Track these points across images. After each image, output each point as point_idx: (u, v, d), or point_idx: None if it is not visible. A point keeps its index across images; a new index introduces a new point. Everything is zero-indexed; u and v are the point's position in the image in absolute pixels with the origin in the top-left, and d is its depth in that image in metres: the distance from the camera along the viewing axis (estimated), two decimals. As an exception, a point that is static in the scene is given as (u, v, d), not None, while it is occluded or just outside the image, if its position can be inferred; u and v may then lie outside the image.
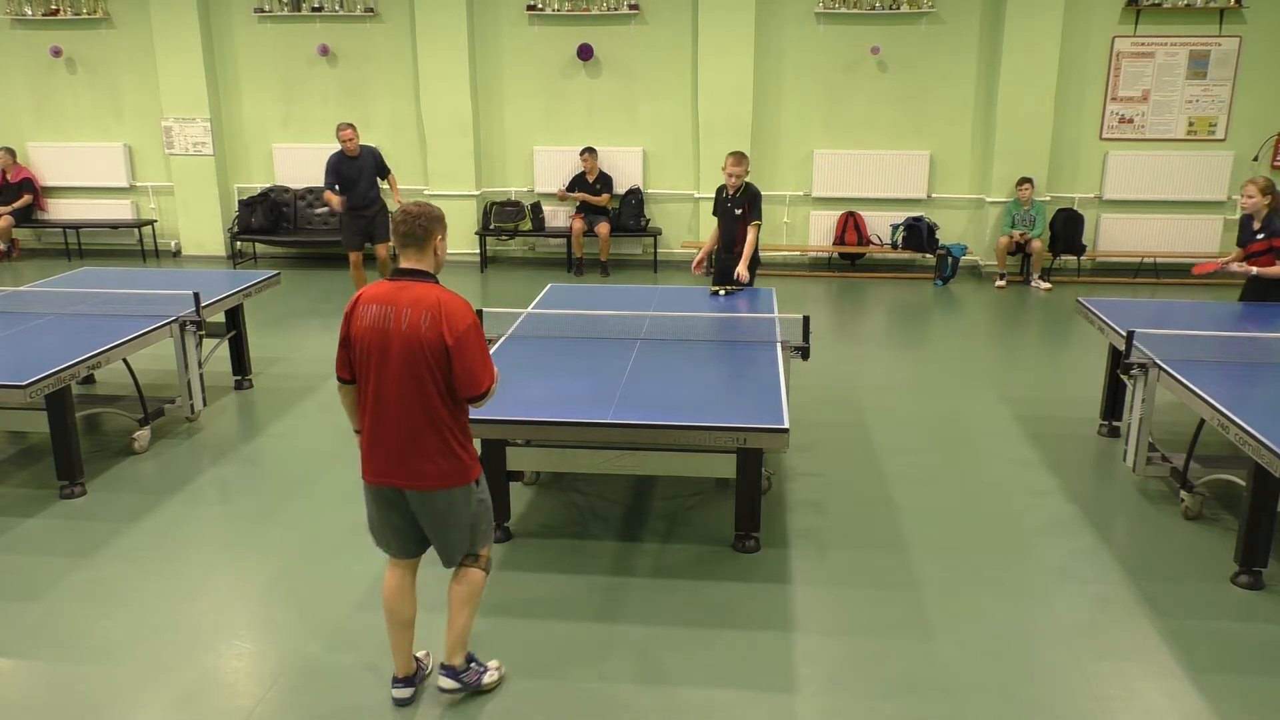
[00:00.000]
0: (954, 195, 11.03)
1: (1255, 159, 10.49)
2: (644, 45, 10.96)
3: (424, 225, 3.21)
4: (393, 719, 3.44)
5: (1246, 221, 6.30)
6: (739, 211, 6.88)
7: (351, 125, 8.55)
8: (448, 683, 3.49)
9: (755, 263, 7.01)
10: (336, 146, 8.52)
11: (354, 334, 3.23)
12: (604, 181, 10.99)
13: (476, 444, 4.55)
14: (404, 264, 3.26)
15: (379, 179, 8.76)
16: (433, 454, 3.23)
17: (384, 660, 3.74)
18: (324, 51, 11.28)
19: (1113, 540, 4.74)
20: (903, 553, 4.61)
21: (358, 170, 8.55)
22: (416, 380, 3.15)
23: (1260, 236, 6.14)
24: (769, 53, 10.80)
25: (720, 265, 7.25)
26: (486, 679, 3.56)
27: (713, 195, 7.19)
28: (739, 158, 6.80)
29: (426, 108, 11.17)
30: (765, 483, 5.05)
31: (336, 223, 8.75)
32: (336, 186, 8.48)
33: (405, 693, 3.51)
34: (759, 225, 6.83)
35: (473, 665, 3.54)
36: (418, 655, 3.61)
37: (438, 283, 3.25)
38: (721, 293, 6.63)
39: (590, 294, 6.97)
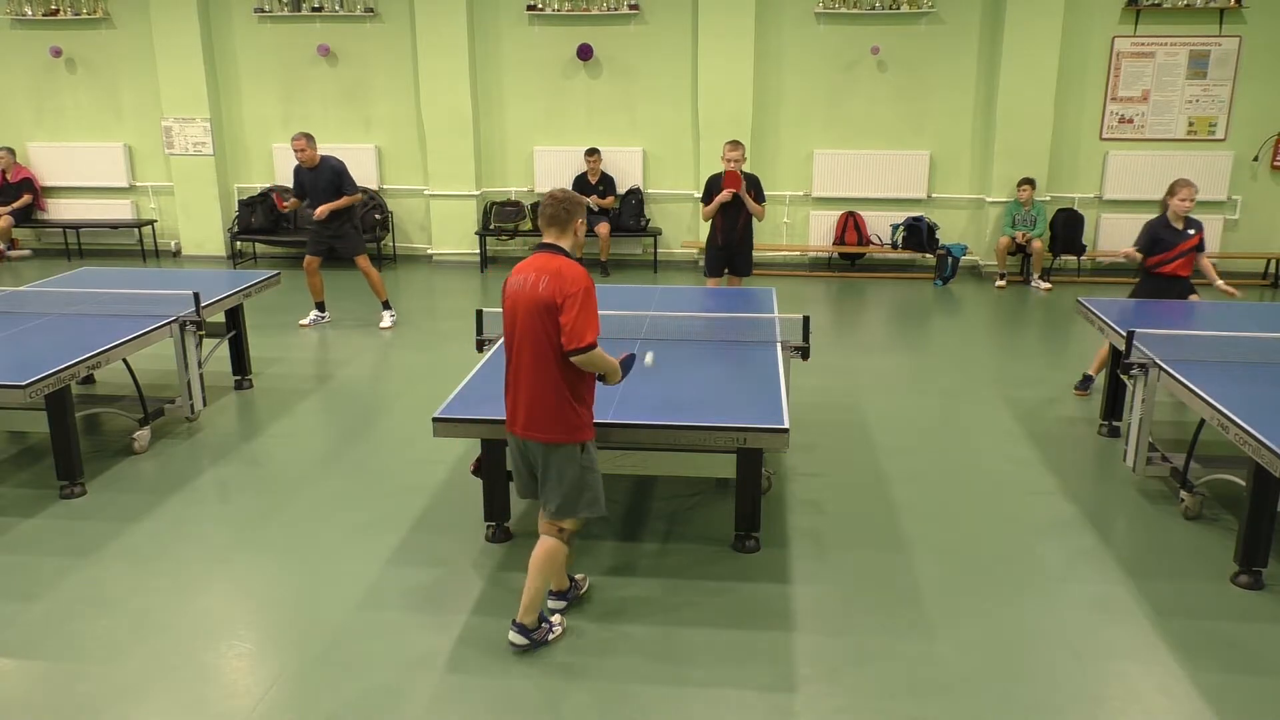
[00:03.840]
0: (954, 195, 11.04)
1: (1255, 159, 10.50)
2: (644, 45, 10.96)
3: (567, 209, 3.67)
4: (391, 718, 3.44)
5: (1161, 226, 6.36)
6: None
7: (305, 135, 8.14)
8: (518, 638, 3.79)
9: (751, 245, 7.51)
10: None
11: (504, 304, 3.70)
12: (606, 183, 10.99)
13: (476, 444, 4.60)
14: (545, 240, 3.70)
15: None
16: (548, 407, 3.62)
17: (382, 659, 3.75)
18: (324, 51, 11.28)
19: (1113, 540, 4.74)
20: (903, 553, 4.61)
21: (313, 182, 8.22)
22: (534, 338, 3.57)
23: (1192, 233, 6.37)
24: (769, 53, 10.80)
25: (719, 254, 7.48)
26: (552, 636, 3.87)
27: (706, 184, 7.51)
28: (737, 144, 7.18)
29: (426, 108, 11.17)
30: (765, 483, 5.05)
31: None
32: (298, 197, 8.38)
33: (559, 604, 4.04)
34: (764, 203, 7.42)
35: (543, 624, 3.85)
36: (575, 577, 4.15)
37: (569, 256, 3.65)
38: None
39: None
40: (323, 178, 8.21)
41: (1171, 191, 6.34)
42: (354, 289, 9.85)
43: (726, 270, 7.54)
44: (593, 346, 3.54)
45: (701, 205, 7.53)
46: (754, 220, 7.41)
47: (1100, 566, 4.49)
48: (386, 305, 8.77)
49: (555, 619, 3.92)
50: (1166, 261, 6.36)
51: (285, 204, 8.61)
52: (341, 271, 10.21)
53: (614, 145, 11.18)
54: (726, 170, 7.18)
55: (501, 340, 3.84)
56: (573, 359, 3.55)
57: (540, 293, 3.52)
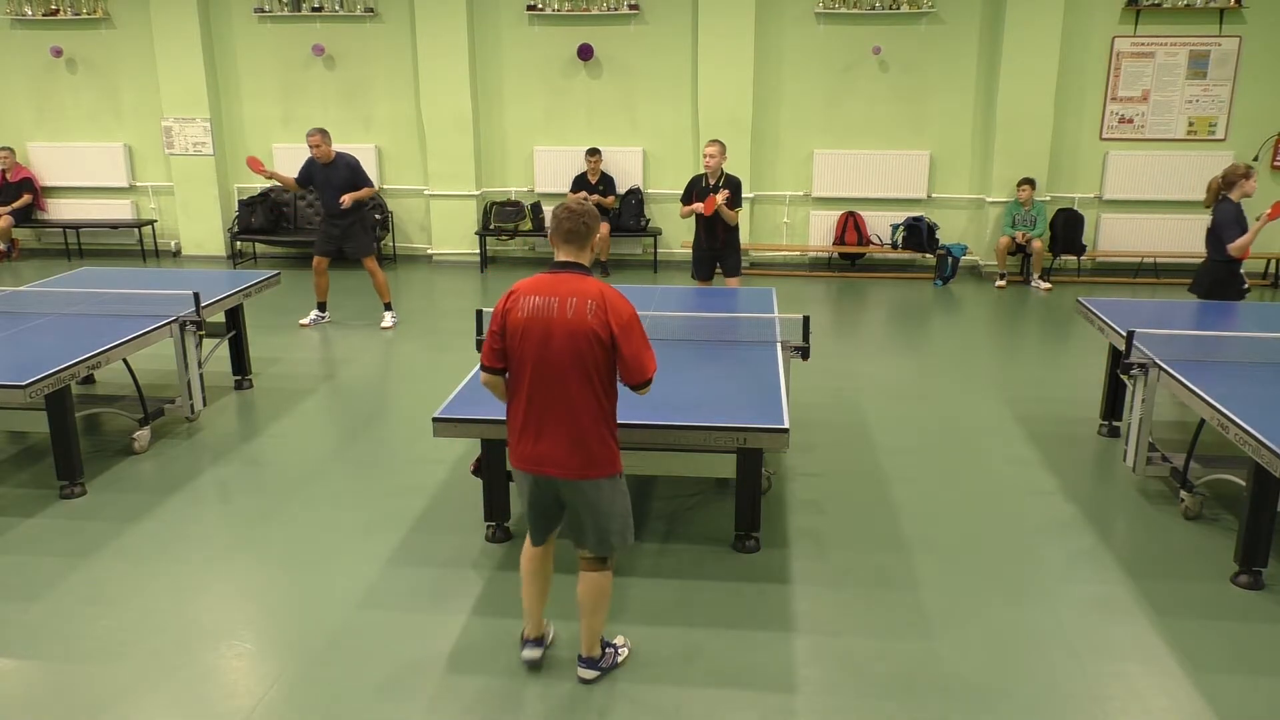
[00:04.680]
0: (954, 195, 11.03)
1: (1255, 159, 10.49)
2: (644, 45, 10.96)
3: (586, 224, 3.33)
4: (391, 718, 3.44)
5: (1239, 212, 6.51)
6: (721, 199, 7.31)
7: (321, 131, 8.18)
8: (589, 673, 3.62)
9: (737, 244, 7.55)
10: (338, 147, 8.49)
11: (511, 325, 3.29)
12: (606, 182, 11.00)
13: (476, 444, 4.60)
14: (562, 257, 3.34)
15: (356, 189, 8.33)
16: (590, 443, 3.31)
17: (382, 659, 3.75)
18: (319, 51, 11.27)
19: (1113, 540, 4.74)
20: (903, 553, 4.61)
21: (326, 177, 8.28)
22: (580, 369, 3.24)
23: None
24: (769, 53, 10.80)
25: (704, 255, 7.56)
26: (620, 658, 3.72)
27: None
28: (715, 141, 7.29)
29: (426, 108, 11.17)
30: (765, 483, 5.05)
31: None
32: (301, 185, 8.51)
33: (535, 653, 3.69)
34: (739, 210, 7.43)
35: (607, 650, 3.69)
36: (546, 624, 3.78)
37: (593, 275, 3.35)
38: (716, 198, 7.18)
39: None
40: (338, 174, 8.29)
41: (1246, 174, 6.41)
42: (356, 289, 9.86)
43: (718, 271, 7.57)
44: (653, 375, 3.34)
45: (681, 204, 7.56)
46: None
47: (1100, 566, 4.49)
48: (388, 307, 8.78)
49: (619, 640, 3.77)
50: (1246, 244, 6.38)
51: (263, 169, 8.27)
52: (345, 271, 10.20)
53: (614, 145, 11.18)
54: (708, 198, 7.22)
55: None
56: (637, 391, 3.35)
57: (588, 320, 3.19)
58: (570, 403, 3.27)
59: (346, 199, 8.23)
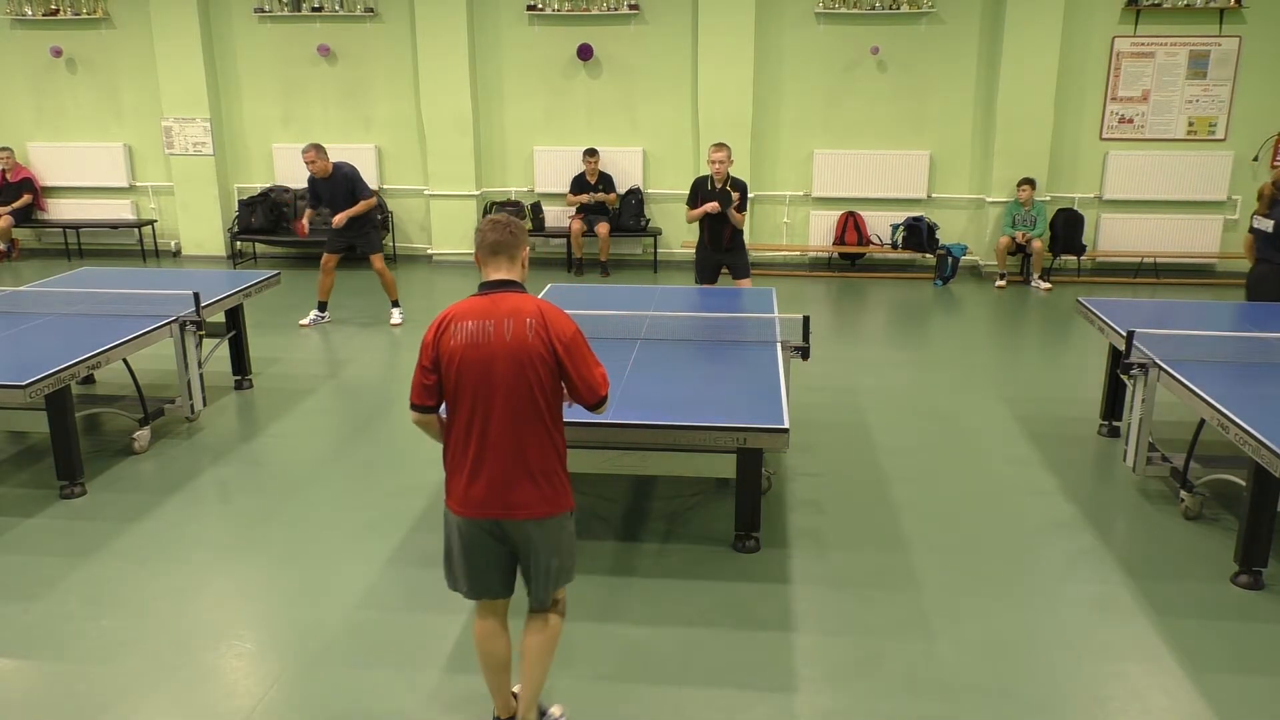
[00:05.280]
0: (954, 195, 11.03)
1: (1255, 159, 10.50)
2: (644, 45, 10.96)
3: (513, 233, 3.07)
4: (391, 718, 3.44)
5: None
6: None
7: (315, 147, 8.18)
8: None
9: (744, 246, 7.50)
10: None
11: (446, 353, 2.97)
12: (604, 181, 10.99)
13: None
14: (493, 275, 3.06)
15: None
16: (542, 478, 3.02)
17: (382, 659, 3.75)
18: (324, 52, 11.28)
19: (1113, 540, 4.75)
20: (903, 553, 4.61)
21: (330, 192, 8.35)
22: (527, 394, 2.95)
23: None
24: (769, 53, 10.80)
25: (709, 257, 7.42)
26: None
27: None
28: (722, 145, 7.21)
29: (426, 108, 11.17)
30: (765, 483, 5.05)
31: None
32: (312, 207, 8.57)
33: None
34: (744, 214, 7.34)
35: (544, 717, 3.36)
36: (515, 691, 3.34)
37: (526, 291, 3.09)
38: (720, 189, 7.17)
39: (590, 294, 6.98)
40: (338, 186, 8.32)
41: None
42: (357, 288, 9.87)
43: (726, 272, 7.52)
44: (606, 393, 3.10)
45: (687, 208, 7.47)
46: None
47: (1100, 566, 4.49)
48: (396, 304, 8.81)
49: (556, 710, 3.39)
50: None
51: (302, 223, 8.62)
52: (346, 272, 10.20)
53: (614, 145, 11.18)
54: (714, 188, 7.17)
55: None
56: (596, 410, 3.11)
57: (530, 341, 2.92)
58: (518, 435, 2.96)
59: (339, 219, 8.29)
